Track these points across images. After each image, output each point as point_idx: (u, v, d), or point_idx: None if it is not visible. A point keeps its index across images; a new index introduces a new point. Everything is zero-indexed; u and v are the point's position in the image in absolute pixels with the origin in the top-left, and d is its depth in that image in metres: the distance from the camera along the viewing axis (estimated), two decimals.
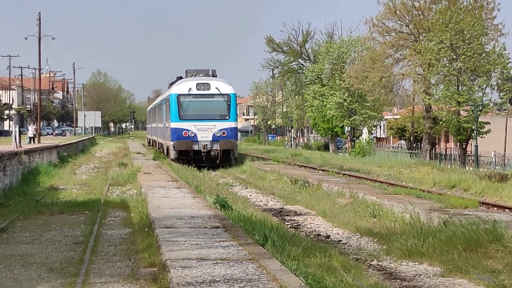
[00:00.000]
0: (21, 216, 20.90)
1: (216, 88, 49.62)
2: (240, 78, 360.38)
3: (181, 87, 50.57)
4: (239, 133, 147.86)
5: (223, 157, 49.19)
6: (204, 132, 48.82)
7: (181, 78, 55.54)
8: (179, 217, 18.07)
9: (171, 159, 50.38)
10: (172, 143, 49.89)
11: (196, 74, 53.65)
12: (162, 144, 60.95)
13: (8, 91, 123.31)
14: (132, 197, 26.36)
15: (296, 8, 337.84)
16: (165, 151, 56.18)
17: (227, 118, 49.52)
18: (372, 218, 24.75)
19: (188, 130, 48.80)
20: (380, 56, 61.96)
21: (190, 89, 49.63)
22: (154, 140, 73.23)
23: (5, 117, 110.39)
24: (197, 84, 49.88)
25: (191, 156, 49.12)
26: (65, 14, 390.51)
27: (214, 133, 48.77)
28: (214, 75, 53.96)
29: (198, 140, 48.73)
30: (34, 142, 56.01)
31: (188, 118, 49.14)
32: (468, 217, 21.70)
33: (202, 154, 49.00)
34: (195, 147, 48.78)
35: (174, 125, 49.65)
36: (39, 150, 40.66)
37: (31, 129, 59.89)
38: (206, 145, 48.76)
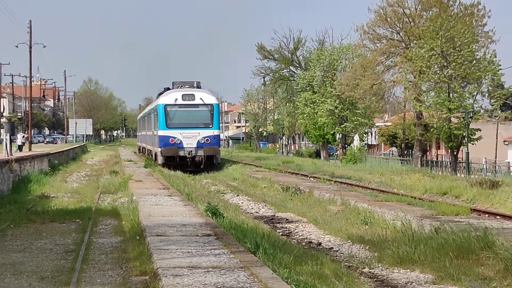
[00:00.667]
0: (12, 225, 20.83)
1: (200, 98, 53.39)
2: (232, 86, 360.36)
3: (168, 98, 54.28)
4: (230, 141, 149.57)
5: (207, 162, 52.61)
6: (189, 139, 52.28)
7: (168, 89, 59.77)
8: (171, 225, 18.04)
9: (159, 164, 53.24)
10: (159, 149, 53.30)
11: (182, 86, 58.00)
12: (151, 150, 63.52)
13: None
14: (123, 205, 26.30)
15: (287, 15, 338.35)
16: (154, 157, 58.98)
17: (210, 126, 53.17)
18: (364, 225, 24.75)
19: (175, 138, 52.29)
20: (371, 63, 62.04)
21: (176, 99, 53.40)
22: (144, 147, 76.19)
23: None
24: (183, 95, 53.62)
25: (177, 162, 52.45)
26: (56, 22, 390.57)
27: (199, 140, 52.33)
28: (198, 87, 58.32)
29: (184, 146, 52.26)
30: (22, 150, 55.76)
31: (175, 126, 52.66)
32: (460, 224, 21.74)
33: (188, 159, 52.32)
34: (181, 153, 52.26)
35: (161, 132, 53.23)
36: (30, 158, 40.57)
37: (19, 137, 59.67)
38: (191, 151, 52.21)
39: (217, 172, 52.34)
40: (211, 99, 54.44)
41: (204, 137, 52.43)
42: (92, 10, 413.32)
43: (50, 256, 15.92)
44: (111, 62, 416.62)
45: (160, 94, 62.66)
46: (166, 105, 53.50)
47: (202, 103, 53.24)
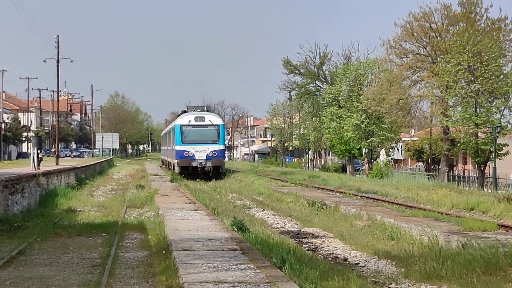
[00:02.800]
0: (39, 238, 20.94)
1: (209, 120, 64.63)
2: (257, 100, 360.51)
3: (184, 119, 65.49)
4: (256, 155, 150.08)
5: (214, 171, 62.64)
6: (200, 153, 62.52)
7: (184, 111, 72.01)
8: (197, 239, 18.05)
9: (176, 172, 64.02)
10: (176, 161, 64.33)
11: (195, 110, 70.78)
12: (170, 162, 75.45)
13: (26, 113, 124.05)
14: (149, 219, 26.37)
15: (313, 30, 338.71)
16: (172, 167, 69.73)
17: (217, 142, 63.61)
18: (390, 240, 24.63)
19: (188, 151, 62.76)
20: (398, 78, 61.90)
21: (190, 120, 64.58)
22: (165, 160, 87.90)
23: (24, 139, 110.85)
24: (195, 117, 64.95)
25: (191, 171, 62.53)
26: (83, 37, 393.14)
27: (208, 153, 62.54)
28: (208, 110, 72.89)
29: (196, 158, 62.46)
30: (40, 165, 55.64)
31: (188, 142, 63.25)
32: (487, 240, 21.57)
33: (199, 169, 62.43)
34: (193, 164, 62.47)
35: (178, 147, 64.06)
36: (57, 172, 40.80)
37: (36, 153, 59.56)
38: (202, 162, 62.33)
39: (242, 187, 52.71)
40: (218, 121, 65.77)
41: (212, 151, 62.69)
42: (120, 25, 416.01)
43: (77, 270, 15.99)
44: (138, 76, 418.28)
45: (177, 116, 75.40)
46: (182, 125, 64.54)
47: (211, 123, 64.14)
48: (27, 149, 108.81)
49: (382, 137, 72.43)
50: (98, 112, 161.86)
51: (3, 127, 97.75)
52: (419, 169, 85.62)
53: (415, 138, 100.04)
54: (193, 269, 13.48)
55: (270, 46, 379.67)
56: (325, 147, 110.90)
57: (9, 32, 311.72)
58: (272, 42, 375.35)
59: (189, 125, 64.38)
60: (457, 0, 59.47)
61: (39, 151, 58.33)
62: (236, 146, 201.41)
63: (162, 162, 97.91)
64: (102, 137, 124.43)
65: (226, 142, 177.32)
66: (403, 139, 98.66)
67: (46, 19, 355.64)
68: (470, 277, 17.00)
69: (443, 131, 61.74)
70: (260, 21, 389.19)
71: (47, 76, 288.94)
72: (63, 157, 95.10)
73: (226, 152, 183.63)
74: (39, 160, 56.12)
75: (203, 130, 63.87)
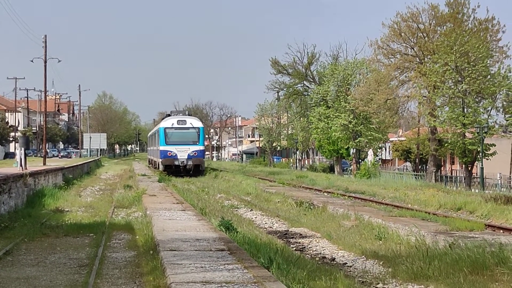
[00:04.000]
0: (26, 239, 20.88)
1: (190, 123, 71.93)
2: (246, 100, 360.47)
3: (167, 123, 72.77)
4: (244, 155, 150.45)
5: (195, 169, 69.81)
6: (182, 153, 69.25)
7: (168, 115, 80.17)
8: (184, 239, 18.05)
9: (160, 170, 70.22)
10: (160, 160, 71.32)
11: (177, 114, 79.43)
12: (155, 161, 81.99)
13: (14, 113, 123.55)
14: (137, 219, 26.34)
15: (301, 30, 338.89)
16: (157, 166, 76.24)
17: (197, 143, 70.82)
18: (378, 240, 24.67)
19: (171, 151, 69.58)
20: (385, 78, 62.01)
21: (173, 124, 71.86)
22: (151, 159, 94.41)
23: (11, 139, 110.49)
24: (178, 121, 72.31)
25: (173, 169, 69.00)
26: (71, 36, 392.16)
27: (189, 153, 69.37)
28: (189, 114, 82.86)
29: (178, 158, 69.26)
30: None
31: (171, 143, 70.16)
32: (474, 239, 21.64)
33: (181, 167, 69.32)
34: (176, 163, 69.36)
35: (162, 148, 71.04)
36: (45, 172, 40.62)
37: (19, 153, 59.52)
38: (183, 161, 69.26)
39: (230, 187, 52.71)
40: (198, 124, 72.91)
41: (193, 151, 69.52)
42: (107, 24, 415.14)
43: (64, 270, 15.95)
44: (126, 76, 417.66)
45: (162, 119, 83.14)
46: (165, 128, 71.40)
47: (192, 126, 71.06)
48: (15, 149, 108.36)
49: (369, 137, 72.58)
50: (86, 112, 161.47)
51: None
52: (406, 169, 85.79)
53: (402, 138, 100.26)
54: (180, 269, 13.47)
55: (259, 45, 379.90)
56: (313, 147, 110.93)
57: None
58: (261, 42, 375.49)
59: (172, 127, 71.16)
60: (444, 1, 59.73)
61: (26, 151, 58.19)
62: (224, 146, 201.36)
63: (149, 161, 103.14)
64: (90, 137, 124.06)
65: (213, 142, 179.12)
66: (390, 139, 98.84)
67: (33, 18, 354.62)
68: (457, 277, 17.04)
69: (431, 131, 61.90)
70: (249, 20, 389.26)
71: (34, 76, 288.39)
72: (50, 157, 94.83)
73: (214, 152, 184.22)
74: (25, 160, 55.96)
75: (184, 132, 70.37)
